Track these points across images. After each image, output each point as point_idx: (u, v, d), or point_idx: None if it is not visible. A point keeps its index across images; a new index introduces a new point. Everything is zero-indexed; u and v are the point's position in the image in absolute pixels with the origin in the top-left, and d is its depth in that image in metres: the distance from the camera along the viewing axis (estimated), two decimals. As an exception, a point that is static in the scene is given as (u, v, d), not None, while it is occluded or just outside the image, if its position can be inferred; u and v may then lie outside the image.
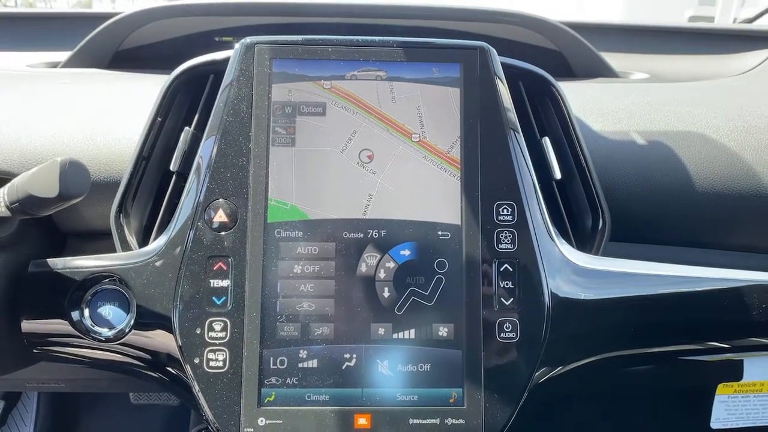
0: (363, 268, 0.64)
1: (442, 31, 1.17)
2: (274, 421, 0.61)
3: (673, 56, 1.28)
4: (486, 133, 0.66)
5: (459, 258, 0.64)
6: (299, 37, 0.67)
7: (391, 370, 0.63)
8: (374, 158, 0.66)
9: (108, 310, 0.65)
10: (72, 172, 0.54)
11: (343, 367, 0.63)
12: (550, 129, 0.77)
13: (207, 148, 0.65)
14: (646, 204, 0.80)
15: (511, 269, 0.64)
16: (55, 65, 1.13)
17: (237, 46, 0.67)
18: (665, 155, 0.82)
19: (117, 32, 1.10)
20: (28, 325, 0.65)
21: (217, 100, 0.66)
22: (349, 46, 0.67)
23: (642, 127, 0.85)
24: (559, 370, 0.66)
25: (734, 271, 0.72)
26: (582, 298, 0.66)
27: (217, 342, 0.62)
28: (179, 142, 0.71)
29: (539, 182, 0.68)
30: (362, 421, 0.62)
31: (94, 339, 0.65)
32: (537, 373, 0.64)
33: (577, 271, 0.66)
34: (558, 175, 0.72)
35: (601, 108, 0.88)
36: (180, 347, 0.62)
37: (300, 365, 0.62)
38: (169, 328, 0.62)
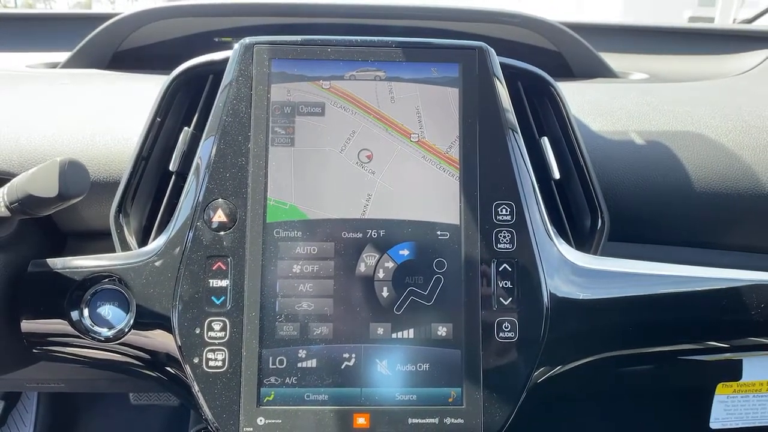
0: (362, 267, 0.64)
1: (441, 32, 1.17)
2: (273, 421, 0.61)
3: (672, 56, 1.28)
4: (485, 133, 0.66)
5: (458, 258, 0.64)
6: (298, 38, 0.67)
7: (390, 370, 0.63)
8: (373, 158, 0.66)
9: (107, 310, 0.65)
10: (71, 172, 0.54)
11: (342, 367, 0.63)
12: (548, 129, 0.77)
13: (206, 148, 0.65)
14: (644, 204, 0.80)
15: (509, 269, 0.64)
16: (54, 66, 1.13)
17: (236, 46, 0.67)
18: (664, 155, 0.82)
19: (116, 33, 1.10)
20: (27, 325, 0.65)
21: (216, 100, 0.66)
22: (348, 46, 0.67)
23: (641, 127, 0.85)
24: (558, 369, 0.66)
25: (733, 270, 0.72)
26: (581, 297, 0.66)
27: (216, 342, 0.62)
28: (178, 142, 0.71)
29: (538, 182, 0.68)
30: (361, 420, 0.62)
31: (93, 339, 0.65)
32: (536, 373, 0.64)
33: (576, 270, 0.66)
34: (557, 175, 0.72)
35: (600, 108, 0.88)
36: (179, 347, 0.62)
37: (299, 365, 0.62)
38: (168, 328, 0.62)
